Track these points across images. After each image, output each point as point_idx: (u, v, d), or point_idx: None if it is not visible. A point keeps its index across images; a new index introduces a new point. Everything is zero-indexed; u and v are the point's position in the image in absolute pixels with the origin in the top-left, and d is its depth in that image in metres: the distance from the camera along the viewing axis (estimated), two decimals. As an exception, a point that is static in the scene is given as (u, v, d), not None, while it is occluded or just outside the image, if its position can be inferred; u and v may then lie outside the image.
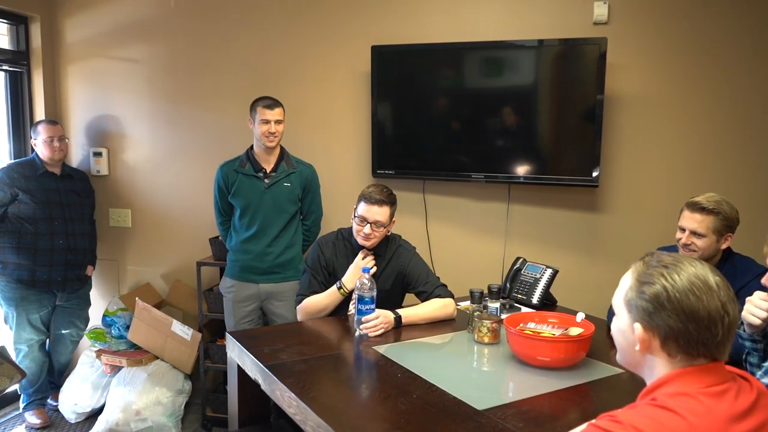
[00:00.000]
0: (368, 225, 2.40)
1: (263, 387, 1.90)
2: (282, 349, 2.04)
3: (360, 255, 2.47)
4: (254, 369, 1.96)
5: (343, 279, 2.45)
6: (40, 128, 3.28)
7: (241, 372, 2.11)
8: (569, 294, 2.81)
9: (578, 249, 3.11)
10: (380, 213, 2.40)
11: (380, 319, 2.20)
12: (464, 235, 3.28)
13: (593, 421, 1.06)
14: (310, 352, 2.05)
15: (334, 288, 2.46)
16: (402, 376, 1.83)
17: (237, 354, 2.11)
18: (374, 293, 2.20)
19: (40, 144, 3.26)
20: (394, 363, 1.94)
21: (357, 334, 2.20)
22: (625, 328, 1.12)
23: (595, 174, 2.88)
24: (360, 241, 2.46)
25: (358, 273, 2.38)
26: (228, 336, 2.20)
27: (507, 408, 1.62)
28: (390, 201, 2.45)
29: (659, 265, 1.08)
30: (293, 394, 1.69)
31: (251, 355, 1.97)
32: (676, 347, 1.05)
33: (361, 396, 1.80)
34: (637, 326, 1.08)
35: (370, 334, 2.18)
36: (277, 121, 2.87)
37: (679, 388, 1.03)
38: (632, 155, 3.00)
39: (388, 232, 2.52)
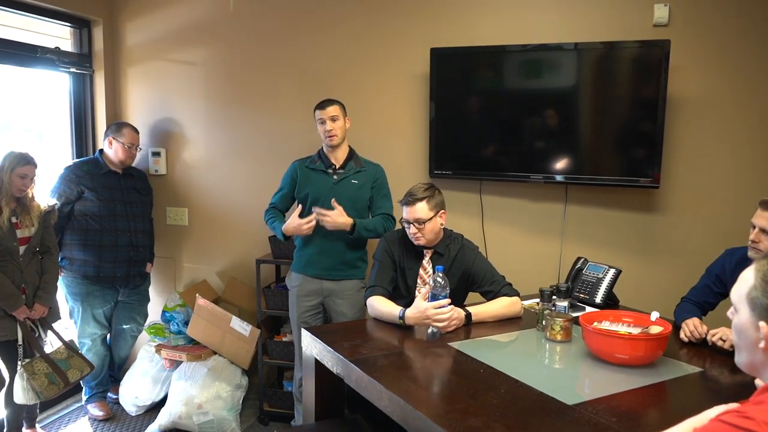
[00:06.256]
0: (411, 225, 2.47)
1: (348, 381, 1.95)
2: (360, 345, 2.09)
3: (420, 296, 2.33)
4: (337, 364, 2.01)
5: (407, 312, 2.28)
6: (126, 131, 3.36)
7: (317, 367, 2.17)
8: (627, 294, 2.82)
9: (636, 250, 3.12)
10: (417, 210, 2.45)
11: (453, 312, 2.24)
12: (520, 235, 3.30)
13: (718, 415, 1.09)
14: (387, 347, 2.09)
15: (396, 312, 2.31)
16: (484, 372, 1.87)
17: (316, 349, 2.16)
18: (448, 291, 2.24)
19: (117, 145, 3.34)
20: (473, 359, 1.97)
21: (429, 330, 2.24)
22: (747, 327, 1.14)
23: (656, 175, 2.89)
24: (414, 242, 2.52)
25: (420, 312, 2.24)
26: (304, 332, 2.25)
27: (596, 403, 1.64)
28: (424, 195, 2.46)
29: None
30: (383, 387, 1.73)
31: (333, 351, 2.02)
32: None
33: (449, 390, 1.83)
34: (763, 324, 1.10)
35: (442, 331, 2.22)
36: (332, 118, 2.92)
37: None
38: (693, 156, 3.00)
39: (441, 225, 2.54)
